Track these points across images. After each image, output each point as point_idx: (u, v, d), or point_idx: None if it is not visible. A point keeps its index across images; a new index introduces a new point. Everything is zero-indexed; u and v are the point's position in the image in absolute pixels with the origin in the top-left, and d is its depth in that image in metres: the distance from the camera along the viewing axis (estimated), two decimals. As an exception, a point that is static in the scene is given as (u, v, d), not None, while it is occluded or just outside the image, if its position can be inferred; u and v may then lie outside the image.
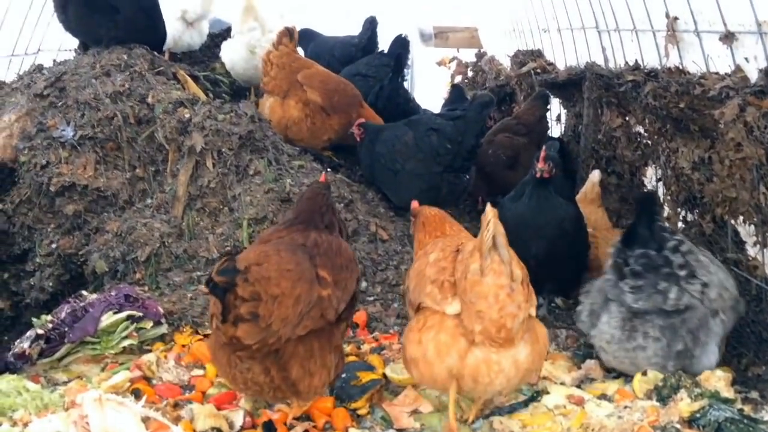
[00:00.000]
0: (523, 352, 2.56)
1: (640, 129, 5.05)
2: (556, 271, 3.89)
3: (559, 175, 3.89)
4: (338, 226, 3.05)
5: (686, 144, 4.31)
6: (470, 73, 10.06)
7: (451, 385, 2.61)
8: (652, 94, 4.39)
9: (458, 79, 10.06)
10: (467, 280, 2.51)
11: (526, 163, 5.54)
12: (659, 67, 4.61)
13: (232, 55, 5.73)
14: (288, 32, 5.24)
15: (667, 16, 4.45)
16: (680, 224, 4.66)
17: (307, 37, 6.56)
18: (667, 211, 4.84)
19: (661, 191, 4.93)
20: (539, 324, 2.75)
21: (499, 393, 2.78)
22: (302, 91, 5.11)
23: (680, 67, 4.36)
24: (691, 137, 4.23)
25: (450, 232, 3.04)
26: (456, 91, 6.99)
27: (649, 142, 4.94)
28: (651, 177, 5.13)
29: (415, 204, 3.29)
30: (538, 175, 3.83)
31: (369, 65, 6.17)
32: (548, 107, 6.13)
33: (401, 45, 6.35)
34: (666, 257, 3.14)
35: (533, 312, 2.62)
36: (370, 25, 6.42)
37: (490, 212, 2.48)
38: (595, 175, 4.83)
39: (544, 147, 3.90)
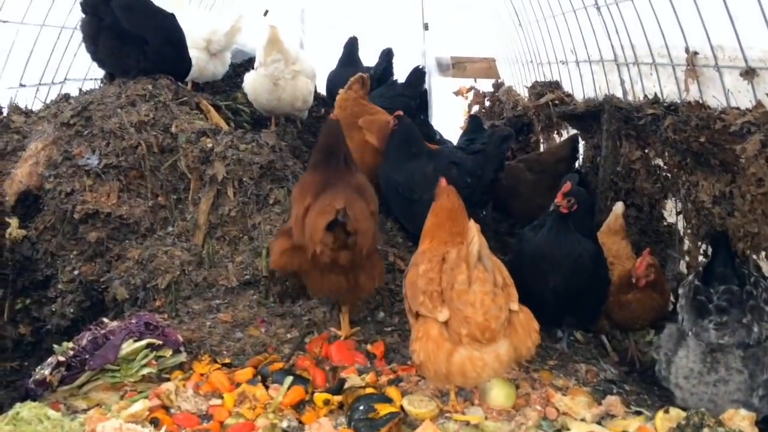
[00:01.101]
0: (503, 347, 2.89)
1: (660, 162, 5.04)
2: (575, 304, 3.86)
3: (580, 209, 3.87)
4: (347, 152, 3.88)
5: (707, 178, 4.30)
6: (487, 103, 10.13)
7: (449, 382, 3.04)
8: (672, 127, 4.40)
9: (475, 108, 10.12)
10: (454, 290, 2.83)
11: (528, 196, 5.58)
12: (679, 101, 4.62)
13: (256, 86, 5.80)
14: (361, 80, 5.37)
15: (687, 50, 4.46)
16: (701, 258, 4.63)
17: (345, 60, 6.64)
18: (687, 244, 4.82)
19: (681, 225, 4.91)
20: (521, 312, 2.99)
21: (490, 379, 3.11)
22: (361, 132, 5.17)
23: (700, 102, 4.36)
24: (712, 171, 4.22)
25: (447, 234, 3.25)
26: (474, 121, 7.01)
27: (669, 175, 4.93)
28: (671, 210, 5.11)
29: (443, 182, 3.49)
30: (553, 209, 3.82)
31: (383, 97, 6.21)
32: (576, 154, 6.05)
33: (418, 76, 6.41)
34: (750, 292, 3.14)
35: (514, 306, 2.93)
36: (386, 56, 6.50)
37: (473, 227, 2.80)
38: (618, 207, 4.79)
39: (567, 182, 3.89)
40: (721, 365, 3.08)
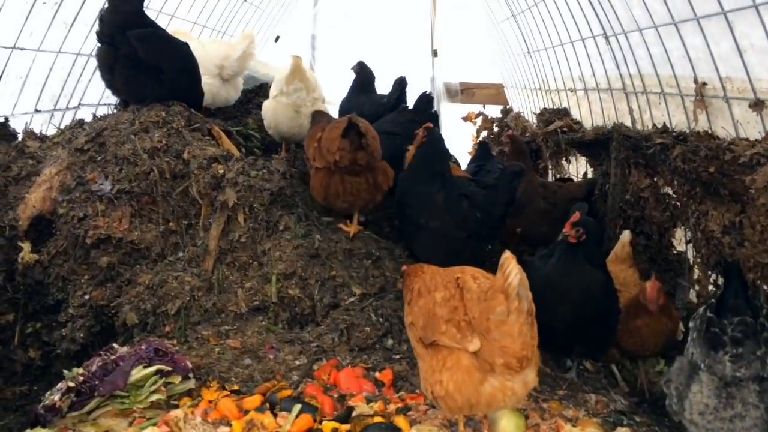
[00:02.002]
0: (530, 374, 2.95)
1: (669, 190, 5.05)
2: (585, 334, 3.86)
3: (589, 239, 3.87)
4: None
5: (716, 207, 4.30)
6: (496, 129, 10.18)
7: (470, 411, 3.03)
8: (681, 157, 4.42)
9: (484, 134, 10.17)
10: (491, 321, 2.85)
11: (535, 221, 5.57)
12: (688, 131, 4.64)
13: (277, 114, 5.76)
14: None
15: (696, 81, 4.49)
16: (711, 287, 4.61)
17: (358, 88, 6.66)
18: (697, 273, 4.80)
19: (690, 254, 4.90)
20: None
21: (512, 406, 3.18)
22: None
23: (709, 132, 4.38)
24: (721, 201, 4.22)
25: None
26: (482, 147, 7.06)
27: (678, 203, 4.93)
28: (680, 239, 5.11)
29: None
30: (562, 238, 3.83)
31: (395, 122, 6.23)
32: (591, 198, 5.97)
33: (426, 101, 6.45)
34: (763, 324, 3.11)
35: (536, 341, 2.95)
36: (399, 85, 6.53)
37: (510, 258, 2.83)
38: (626, 236, 4.82)
39: (575, 212, 3.90)
40: (736, 400, 3.04)
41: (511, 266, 2.81)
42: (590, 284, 3.81)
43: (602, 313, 3.89)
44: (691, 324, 3.32)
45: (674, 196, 4.97)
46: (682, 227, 4.99)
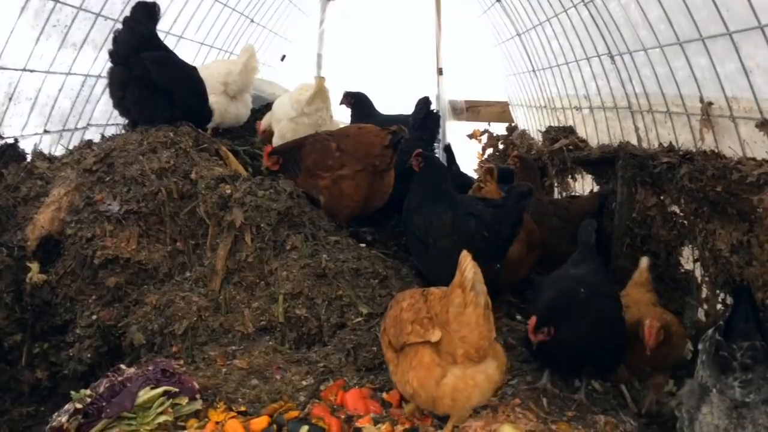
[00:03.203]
0: (492, 367, 3.17)
1: (676, 209, 5.04)
2: (593, 357, 3.82)
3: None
4: None
5: (724, 226, 4.30)
6: (501, 146, 10.21)
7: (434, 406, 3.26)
8: (688, 176, 4.42)
9: (489, 152, 10.21)
10: (450, 312, 3.11)
11: (550, 240, 5.52)
12: (694, 150, 4.65)
13: (297, 135, 5.72)
14: (490, 170, 5.63)
15: (702, 100, 4.51)
16: (719, 306, 4.59)
17: (364, 113, 6.62)
18: (705, 293, 4.78)
19: (698, 272, 4.88)
20: (497, 344, 3.31)
21: (479, 402, 3.34)
22: None
23: (716, 151, 4.39)
24: (729, 220, 4.22)
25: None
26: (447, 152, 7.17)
27: (686, 222, 4.92)
28: (688, 257, 5.09)
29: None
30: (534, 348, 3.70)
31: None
32: (603, 210, 5.86)
33: (433, 120, 6.47)
34: None
35: (494, 333, 3.21)
36: (424, 105, 6.53)
37: (466, 255, 3.10)
38: (643, 262, 4.61)
39: (534, 317, 3.67)
40: (747, 421, 3.01)
41: (467, 262, 3.08)
42: (597, 316, 3.78)
43: (610, 337, 3.84)
44: (700, 346, 3.30)
45: (681, 214, 4.97)
46: (690, 246, 4.98)
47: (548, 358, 3.96)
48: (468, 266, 3.08)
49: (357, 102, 6.62)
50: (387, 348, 3.42)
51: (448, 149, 7.54)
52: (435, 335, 3.13)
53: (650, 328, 3.79)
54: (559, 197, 7.45)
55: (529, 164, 6.35)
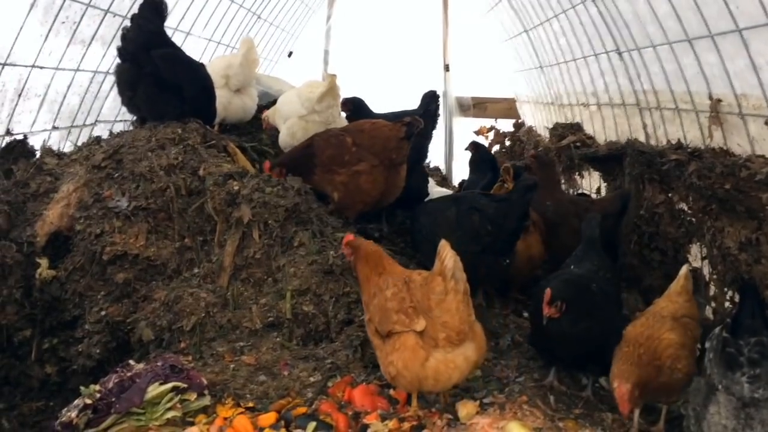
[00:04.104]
0: (470, 348, 3.33)
1: (684, 206, 5.03)
2: (597, 356, 3.82)
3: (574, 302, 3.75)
4: None
5: (732, 224, 4.29)
6: (508, 143, 10.19)
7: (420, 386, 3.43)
8: (696, 173, 4.41)
9: (496, 148, 10.19)
10: (432, 299, 3.29)
11: (571, 241, 5.44)
12: (703, 147, 4.64)
13: (308, 132, 5.67)
14: (507, 170, 5.69)
15: (711, 97, 4.49)
16: (727, 304, 4.58)
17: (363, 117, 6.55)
18: (713, 290, 4.78)
19: (706, 270, 4.87)
20: (477, 324, 3.45)
21: (460, 381, 3.50)
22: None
23: (725, 149, 4.37)
24: (738, 217, 4.21)
25: (388, 267, 3.64)
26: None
27: (694, 219, 4.92)
28: (696, 255, 5.08)
29: (349, 237, 3.81)
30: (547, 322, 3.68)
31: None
32: (625, 211, 5.52)
33: (431, 116, 6.42)
34: None
35: (473, 317, 3.38)
36: (432, 99, 6.51)
37: (446, 245, 3.30)
38: (682, 270, 4.14)
39: (548, 288, 3.69)
40: (755, 421, 3.00)
41: (446, 252, 3.27)
42: (590, 329, 3.73)
43: (609, 338, 3.80)
44: (707, 344, 3.29)
45: (689, 212, 4.96)
46: (698, 243, 4.97)
47: (553, 358, 3.97)
48: (448, 255, 3.27)
49: (356, 107, 6.58)
50: (374, 335, 3.55)
51: (493, 162, 7.22)
52: (419, 325, 3.30)
53: (620, 395, 3.34)
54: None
55: (547, 162, 6.06)
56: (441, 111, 6.51)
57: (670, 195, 5.21)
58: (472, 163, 6.94)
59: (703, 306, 4.96)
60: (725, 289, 4.59)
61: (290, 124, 5.86)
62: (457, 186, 8.07)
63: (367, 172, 4.96)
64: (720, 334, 3.20)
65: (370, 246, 3.77)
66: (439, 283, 3.31)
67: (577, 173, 7.44)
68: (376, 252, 3.74)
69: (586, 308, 3.75)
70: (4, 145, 5.31)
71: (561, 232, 5.35)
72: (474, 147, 6.95)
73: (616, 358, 3.50)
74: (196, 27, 7.76)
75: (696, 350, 3.67)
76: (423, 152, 6.28)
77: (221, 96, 6.22)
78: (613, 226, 5.23)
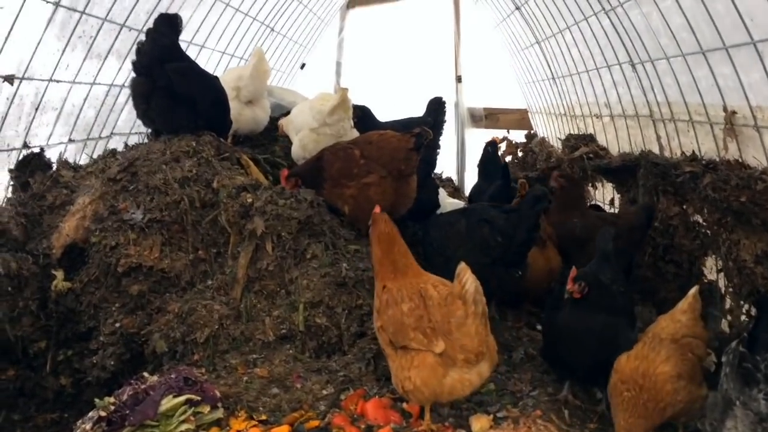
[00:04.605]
0: (484, 366, 3.39)
1: (699, 219, 5.00)
2: (609, 369, 3.79)
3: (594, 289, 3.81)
4: None
5: (748, 237, 4.26)
6: (520, 154, 10.16)
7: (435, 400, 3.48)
8: (711, 186, 4.39)
9: (508, 159, 10.16)
10: (452, 323, 3.31)
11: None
12: (718, 159, 4.61)
13: (319, 145, 5.69)
14: (523, 185, 5.60)
15: (725, 109, 4.47)
16: (743, 317, 4.54)
17: (371, 124, 6.56)
18: (729, 303, 4.73)
19: (722, 283, 4.83)
20: (491, 337, 3.47)
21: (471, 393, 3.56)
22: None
23: (740, 161, 4.35)
24: (753, 230, 4.18)
25: (397, 255, 3.73)
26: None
27: (709, 232, 4.88)
28: (711, 267, 5.04)
29: (377, 210, 3.94)
30: (568, 296, 3.79)
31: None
32: (651, 223, 5.44)
33: (438, 124, 6.42)
34: None
35: (489, 337, 3.42)
36: (439, 105, 6.52)
37: (465, 268, 3.33)
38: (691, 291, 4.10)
39: (574, 267, 3.82)
40: None
41: (467, 276, 3.30)
42: (603, 330, 3.76)
43: (620, 350, 3.78)
44: (724, 358, 3.26)
45: (704, 224, 4.92)
46: (713, 256, 4.93)
47: (565, 372, 3.95)
48: (469, 280, 3.29)
49: (364, 115, 6.60)
50: (387, 345, 3.57)
51: (504, 167, 7.16)
52: (439, 347, 3.34)
53: None
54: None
55: (575, 181, 5.87)
56: (453, 122, 6.53)
57: (684, 207, 5.18)
58: (481, 164, 6.93)
59: (718, 319, 4.92)
60: (741, 302, 4.55)
61: (302, 136, 5.89)
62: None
63: (376, 184, 4.96)
64: (737, 348, 3.18)
65: (386, 226, 3.83)
66: (460, 307, 3.33)
67: (590, 185, 7.40)
68: (388, 234, 3.79)
69: (604, 301, 3.81)
70: (21, 158, 5.37)
71: (590, 248, 5.29)
72: (491, 145, 6.97)
73: (619, 405, 3.40)
74: (210, 40, 7.83)
75: (698, 370, 3.58)
76: (432, 164, 6.30)
77: (232, 108, 6.24)
78: (639, 239, 5.23)
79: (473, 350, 3.31)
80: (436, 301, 3.43)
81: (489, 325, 3.42)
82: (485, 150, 7.00)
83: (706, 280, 5.12)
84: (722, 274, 4.75)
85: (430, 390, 3.38)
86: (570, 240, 5.19)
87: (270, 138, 6.91)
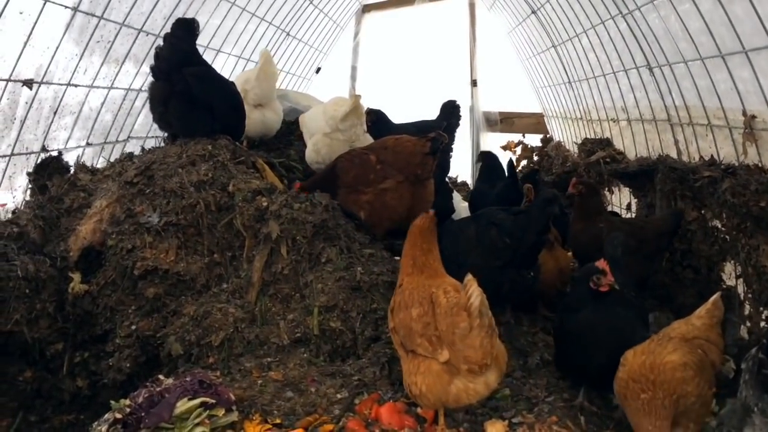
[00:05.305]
0: (492, 375, 3.34)
1: (717, 224, 4.94)
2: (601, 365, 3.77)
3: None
4: None
5: (767, 242, 4.20)
6: (536, 158, 10.12)
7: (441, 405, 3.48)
8: (730, 191, 4.33)
9: (524, 163, 10.13)
10: (456, 334, 3.27)
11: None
12: (737, 164, 4.55)
13: (332, 150, 5.76)
14: (529, 189, 5.75)
15: (745, 113, 4.42)
16: (762, 324, 4.48)
17: (385, 128, 6.55)
18: (748, 309, 4.67)
19: (741, 289, 4.77)
20: (500, 345, 3.43)
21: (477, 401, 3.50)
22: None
23: (759, 165, 4.29)
24: (773, 236, 4.12)
25: (419, 251, 3.75)
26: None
27: (727, 237, 4.82)
28: (730, 273, 4.97)
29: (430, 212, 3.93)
30: (593, 286, 3.79)
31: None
32: (678, 230, 5.34)
33: (452, 128, 6.41)
34: None
35: (495, 348, 3.35)
36: (453, 109, 6.52)
37: (472, 280, 3.27)
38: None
39: (603, 260, 3.83)
40: None
41: (472, 288, 3.23)
42: (623, 327, 3.74)
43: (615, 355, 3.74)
44: (743, 365, 3.22)
45: (723, 229, 4.86)
46: (732, 261, 4.86)
47: (581, 376, 3.92)
48: (474, 293, 3.24)
49: (378, 119, 6.59)
50: (399, 346, 3.60)
51: (510, 165, 7.15)
52: (443, 356, 3.32)
53: None
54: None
55: (595, 188, 5.73)
56: (468, 126, 6.52)
57: (703, 212, 5.12)
58: (485, 168, 6.92)
59: (737, 325, 4.85)
60: (760, 309, 4.48)
61: (315, 140, 5.90)
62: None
63: (392, 189, 4.96)
64: (756, 355, 3.14)
65: (421, 220, 3.84)
66: (465, 319, 3.29)
67: (606, 189, 7.35)
68: (418, 227, 3.80)
69: (621, 295, 3.82)
70: (39, 161, 5.43)
71: None
72: (483, 157, 6.98)
73: (641, 410, 3.22)
74: (227, 45, 7.89)
75: (708, 368, 3.42)
76: (446, 168, 6.29)
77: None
78: (667, 245, 5.20)
79: (477, 362, 3.28)
80: (444, 309, 3.41)
81: (498, 334, 3.38)
82: (490, 156, 6.96)
83: (724, 286, 5.05)
84: (741, 279, 4.69)
85: (435, 397, 3.38)
86: (595, 247, 5.10)
87: (285, 142, 6.94)
